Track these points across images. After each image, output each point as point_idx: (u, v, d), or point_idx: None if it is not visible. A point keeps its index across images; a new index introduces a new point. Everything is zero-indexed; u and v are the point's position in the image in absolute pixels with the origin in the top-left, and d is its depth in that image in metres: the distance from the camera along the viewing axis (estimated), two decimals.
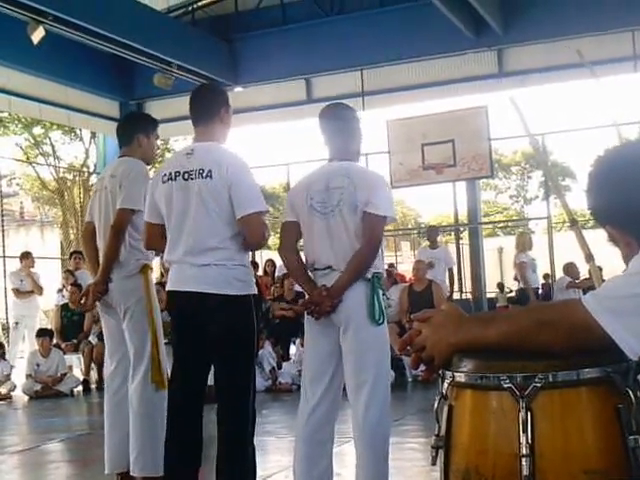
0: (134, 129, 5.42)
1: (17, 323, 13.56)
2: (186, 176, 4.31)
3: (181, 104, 13.94)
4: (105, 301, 5.26)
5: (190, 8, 16.79)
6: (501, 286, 20.70)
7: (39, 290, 13.38)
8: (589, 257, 3.42)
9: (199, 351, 4.37)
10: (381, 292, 4.32)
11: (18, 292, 13.41)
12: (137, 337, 5.14)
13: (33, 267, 13.47)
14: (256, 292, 4.47)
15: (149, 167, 5.39)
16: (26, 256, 13.60)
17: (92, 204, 5.45)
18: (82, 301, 5.52)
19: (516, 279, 14.01)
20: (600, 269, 4.35)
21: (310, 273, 4.42)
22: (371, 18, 15.24)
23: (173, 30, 15.38)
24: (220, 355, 4.34)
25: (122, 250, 5.13)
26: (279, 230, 4.73)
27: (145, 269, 5.19)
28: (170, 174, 4.37)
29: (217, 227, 4.27)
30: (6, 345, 13.16)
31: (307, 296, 4.43)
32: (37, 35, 12.29)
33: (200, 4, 16.78)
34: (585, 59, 6.49)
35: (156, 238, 4.53)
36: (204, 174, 4.27)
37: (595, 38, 13.98)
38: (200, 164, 4.30)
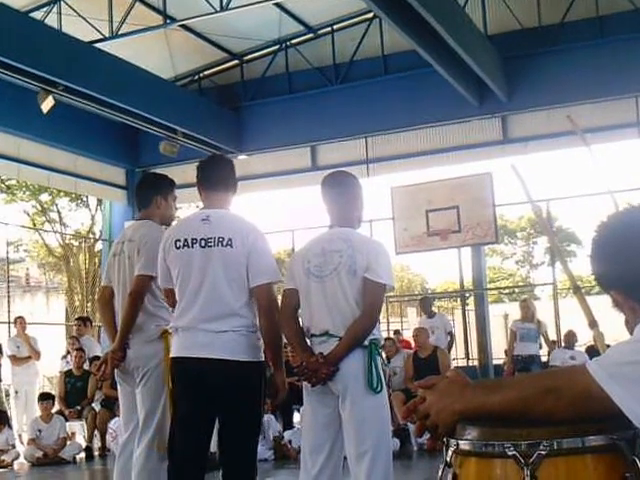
0: (152, 191, 5.40)
1: (17, 392, 13.21)
2: (203, 243, 4.32)
3: (186, 171, 14.04)
4: (123, 367, 5.18)
5: (197, 77, 17.02)
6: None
7: (36, 355, 13.11)
8: (592, 323, 3.41)
9: (207, 417, 4.35)
10: (379, 359, 4.28)
11: (15, 359, 13.05)
12: (149, 402, 5.06)
13: (25, 329, 13.19)
14: (263, 359, 4.46)
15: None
16: (19, 320, 13.34)
17: (109, 268, 5.39)
18: (100, 370, 5.37)
19: None
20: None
21: (307, 340, 4.39)
22: (375, 86, 15.42)
23: (180, 98, 15.58)
24: (231, 420, 4.32)
25: (141, 316, 5.06)
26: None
27: (165, 335, 5.08)
28: (186, 240, 4.36)
29: (235, 294, 4.29)
30: (8, 412, 12.91)
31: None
32: (47, 104, 12.47)
33: (206, 73, 17.01)
34: (577, 125, 6.46)
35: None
36: (224, 242, 4.29)
37: (599, 104, 14.11)
38: (219, 232, 4.32)
